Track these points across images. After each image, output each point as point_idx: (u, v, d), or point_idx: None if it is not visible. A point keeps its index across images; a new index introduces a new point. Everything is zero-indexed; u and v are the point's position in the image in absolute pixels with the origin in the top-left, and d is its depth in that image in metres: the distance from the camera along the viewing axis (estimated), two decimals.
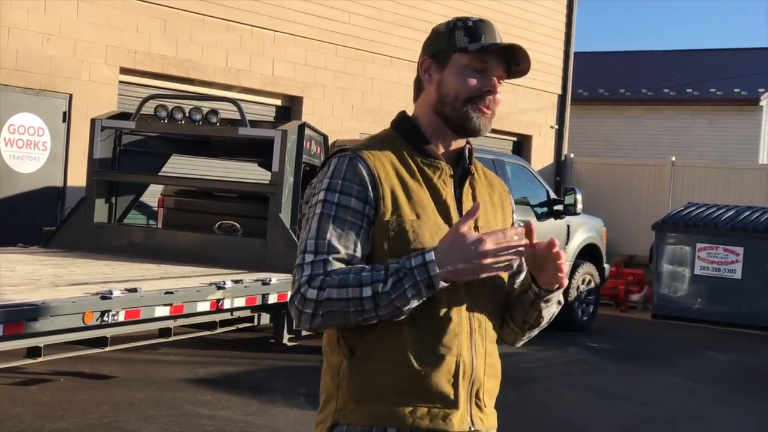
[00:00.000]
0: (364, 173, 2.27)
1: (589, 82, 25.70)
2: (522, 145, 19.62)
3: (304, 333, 8.74)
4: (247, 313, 8.28)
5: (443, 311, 2.27)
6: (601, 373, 10.61)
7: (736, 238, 14.65)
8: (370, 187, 2.26)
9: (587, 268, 13.52)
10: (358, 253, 2.24)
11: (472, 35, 2.35)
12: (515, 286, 2.50)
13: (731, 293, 14.69)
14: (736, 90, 23.96)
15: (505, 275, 2.39)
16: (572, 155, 20.62)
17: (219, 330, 8.38)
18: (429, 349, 2.26)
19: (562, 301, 2.51)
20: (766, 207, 15.86)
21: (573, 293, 13.24)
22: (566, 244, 13.05)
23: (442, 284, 2.16)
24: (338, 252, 2.22)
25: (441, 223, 2.31)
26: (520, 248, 2.18)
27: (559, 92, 20.19)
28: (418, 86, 2.44)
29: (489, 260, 2.15)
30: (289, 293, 2.26)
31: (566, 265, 2.36)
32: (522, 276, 2.52)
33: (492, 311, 2.39)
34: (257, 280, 8.03)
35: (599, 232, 14.08)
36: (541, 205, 12.64)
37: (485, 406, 2.36)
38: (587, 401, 9.07)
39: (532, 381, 9.69)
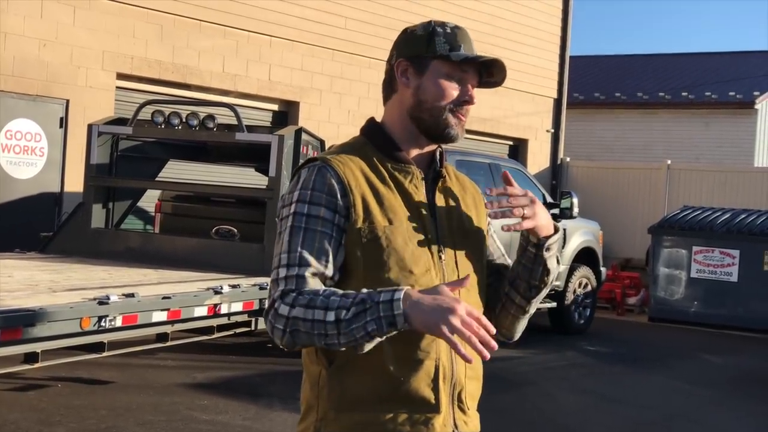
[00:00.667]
0: (333, 182, 2.27)
1: (585, 86, 25.73)
2: (518, 149, 19.64)
3: None
4: (245, 317, 8.28)
5: None
6: (598, 376, 10.63)
7: (732, 241, 14.69)
8: (339, 196, 2.26)
9: (584, 272, 13.54)
10: (331, 263, 2.23)
11: (452, 43, 2.35)
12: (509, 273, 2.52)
13: (727, 296, 14.72)
14: (731, 93, 24.00)
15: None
16: (568, 159, 20.65)
17: (216, 335, 8.38)
18: (407, 355, 2.25)
19: (560, 259, 2.53)
20: (761, 210, 15.91)
21: (570, 297, 13.27)
22: (563, 247, 13.07)
23: (404, 326, 2.09)
24: (310, 265, 2.21)
25: (414, 227, 2.31)
26: (482, 334, 2.07)
27: (555, 96, 20.21)
28: (390, 87, 2.43)
29: (455, 324, 2.04)
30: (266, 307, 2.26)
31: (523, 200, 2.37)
32: (504, 260, 2.55)
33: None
34: (254, 285, 8.04)
35: (596, 235, 14.10)
36: None
37: (468, 409, 2.36)
38: (584, 404, 9.09)
39: (530, 384, 9.71)
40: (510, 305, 2.48)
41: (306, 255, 2.21)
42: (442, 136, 2.38)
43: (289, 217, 2.27)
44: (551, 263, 2.43)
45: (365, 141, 2.41)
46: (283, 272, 2.22)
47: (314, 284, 2.20)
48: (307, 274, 2.20)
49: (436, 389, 2.27)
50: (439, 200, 2.40)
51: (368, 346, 2.14)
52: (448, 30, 2.37)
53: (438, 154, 2.44)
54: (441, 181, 2.42)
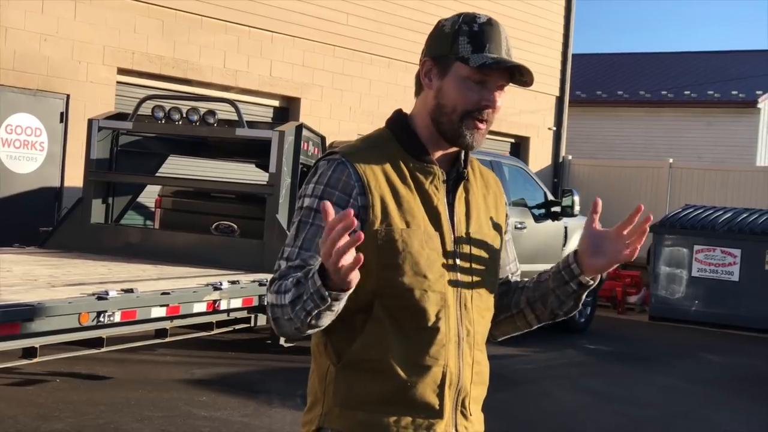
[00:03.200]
0: (352, 180, 2.22)
1: (587, 84, 25.70)
2: (520, 147, 19.62)
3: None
4: (244, 314, 8.26)
5: (431, 321, 2.24)
6: (598, 374, 10.61)
7: (733, 240, 14.66)
8: (355, 194, 2.22)
9: None
10: None
11: (476, 43, 2.27)
12: (517, 278, 2.52)
13: (728, 295, 14.70)
14: (734, 92, 23.97)
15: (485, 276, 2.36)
16: (570, 157, 20.62)
17: (215, 331, 8.36)
18: (416, 360, 2.24)
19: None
20: (763, 209, 15.88)
21: None
22: (564, 245, 13.04)
23: (340, 294, 2.02)
24: (306, 258, 2.18)
25: (431, 230, 2.27)
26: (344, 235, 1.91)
27: (557, 94, 20.19)
28: (419, 83, 2.37)
29: (332, 258, 1.93)
30: None
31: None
32: (514, 266, 2.53)
33: (480, 318, 2.37)
34: (254, 281, 8.02)
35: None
36: (538, 206, 12.63)
37: (470, 414, 2.35)
38: (584, 403, 9.06)
39: (530, 383, 9.69)
40: (520, 320, 2.49)
41: (304, 251, 2.19)
42: (457, 144, 2.32)
43: (301, 210, 2.26)
44: (582, 301, 2.44)
45: (390, 136, 2.35)
46: (283, 264, 2.21)
47: None
48: (303, 265, 2.17)
49: (441, 395, 2.27)
50: (459, 202, 2.36)
51: (322, 323, 2.09)
52: (476, 27, 2.29)
53: (463, 153, 2.39)
54: (463, 183, 2.38)
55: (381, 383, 2.23)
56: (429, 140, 2.33)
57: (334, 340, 2.27)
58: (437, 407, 2.26)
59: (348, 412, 2.25)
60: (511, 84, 2.35)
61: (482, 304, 2.36)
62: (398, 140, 2.33)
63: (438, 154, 2.34)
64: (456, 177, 2.36)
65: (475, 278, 2.32)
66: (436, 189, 2.30)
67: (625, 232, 2.35)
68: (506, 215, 2.51)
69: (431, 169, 2.31)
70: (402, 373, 2.22)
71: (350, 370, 2.24)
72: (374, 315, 2.20)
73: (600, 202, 2.36)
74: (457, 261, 2.30)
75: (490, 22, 2.31)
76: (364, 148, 2.32)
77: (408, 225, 2.23)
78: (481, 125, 2.30)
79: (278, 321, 2.16)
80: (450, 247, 2.29)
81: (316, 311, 2.04)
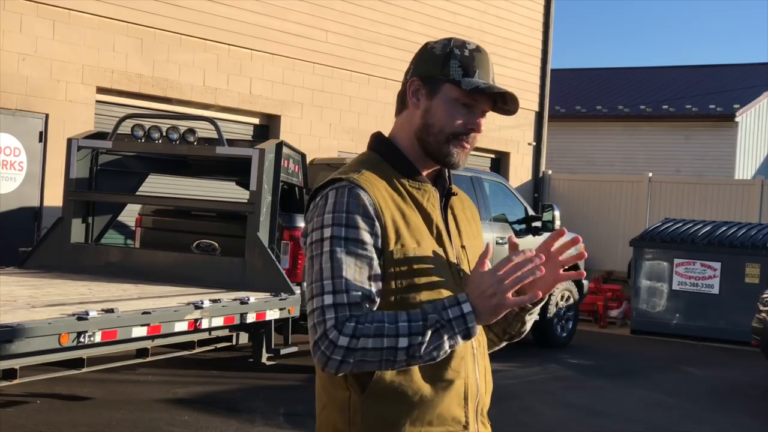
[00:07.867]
0: (367, 204, 2.22)
1: (566, 99, 25.82)
2: (500, 162, 19.67)
3: (283, 352, 8.72)
4: (226, 332, 8.24)
5: None
6: (580, 389, 10.62)
7: (713, 254, 14.74)
8: (374, 217, 2.22)
9: (566, 285, 13.54)
10: (375, 288, 2.19)
11: (467, 68, 2.31)
12: None
13: (709, 308, 14.76)
14: (711, 106, 24.12)
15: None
16: (550, 172, 20.69)
17: (197, 350, 8.34)
18: (440, 375, 2.27)
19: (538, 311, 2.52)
20: (742, 222, 15.97)
21: (552, 310, 13.27)
22: None
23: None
24: (358, 290, 2.16)
25: (437, 248, 2.30)
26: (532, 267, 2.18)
27: (537, 109, 20.26)
28: (402, 102, 2.39)
29: (507, 294, 2.14)
30: (312, 336, 2.17)
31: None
32: None
33: (484, 327, 2.43)
34: (235, 300, 8.00)
35: (578, 248, 14.07)
36: (519, 221, 12.66)
37: (487, 422, 2.44)
38: (567, 418, 9.07)
39: (512, 398, 9.68)
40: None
41: (351, 280, 2.16)
42: (444, 162, 2.35)
43: (325, 241, 2.20)
44: (529, 324, 2.49)
45: (379, 158, 2.36)
46: (329, 299, 2.15)
47: (367, 310, 2.16)
48: (359, 300, 2.15)
49: (465, 408, 2.32)
50: (450, 218, 2.41)
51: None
52: (466, 53, 2.33)
53: (446, 170, 2.42)
54: (449, 199, 2.42)
55: (409, 404, 2.24)
56: (415, 159, 2.37)
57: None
58: (464, 420, 2.31)
59: None
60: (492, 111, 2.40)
61: None
62: (388, 161, 2.35)
63: (425, 172, 2.39)
64: (443, 193, 2.41)
65: None
66: (433, 206, 2.35)
67: (560, 257, 2.44)
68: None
69: (426, 187, 2.35)
70: (429, 391, 2.25)
71: (378, 397, 2.23)
72: None
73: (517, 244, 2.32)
74: (461, 274, 2.34)
75: (479, 49, 2.36)
76: (364, 171, 2.31)
77: (419, 244, 2.27)
78: (467, 146, 2.35)
79: (362, 363, 2.13)
80: (454, 261, 2.34)
81: (454, 348, 2.17)
